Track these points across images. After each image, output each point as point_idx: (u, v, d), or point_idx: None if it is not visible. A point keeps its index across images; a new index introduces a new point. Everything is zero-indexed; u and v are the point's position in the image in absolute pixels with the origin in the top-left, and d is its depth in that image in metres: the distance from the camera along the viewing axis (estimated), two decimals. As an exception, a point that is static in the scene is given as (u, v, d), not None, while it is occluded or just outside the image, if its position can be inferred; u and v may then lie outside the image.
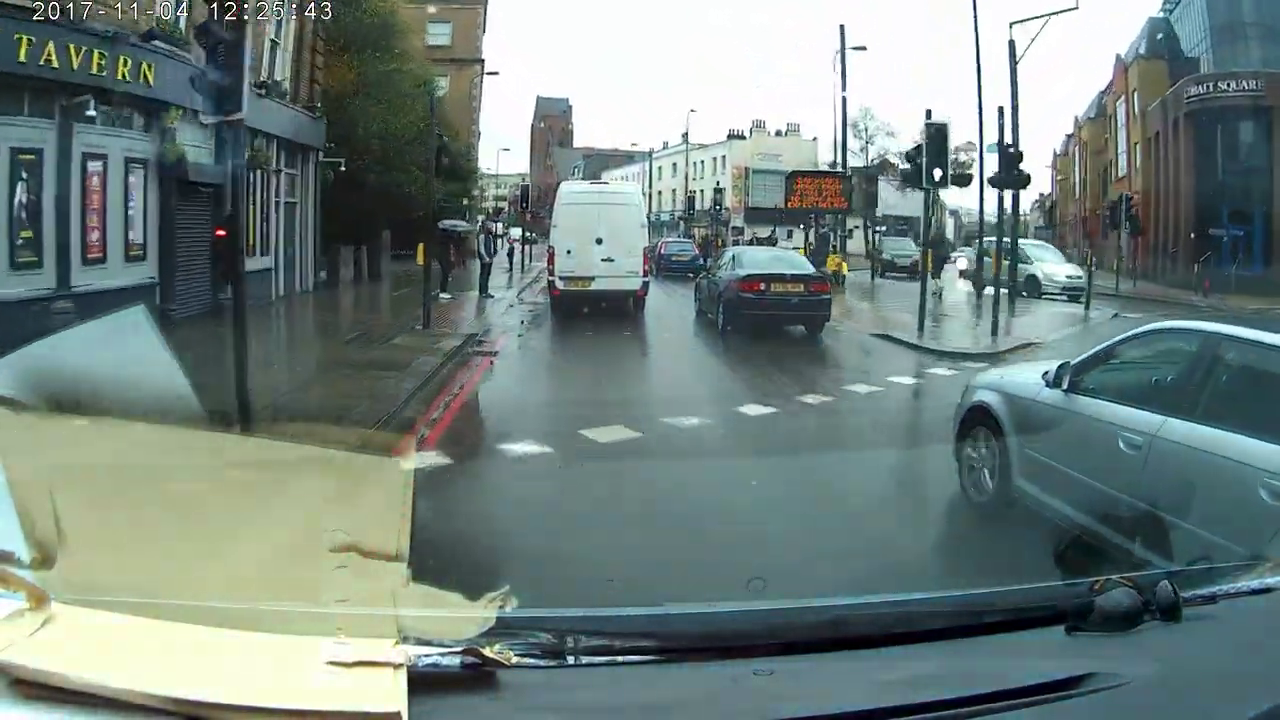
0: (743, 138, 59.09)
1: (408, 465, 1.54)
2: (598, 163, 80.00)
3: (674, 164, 65.41)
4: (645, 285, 16.30)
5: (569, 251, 15.82)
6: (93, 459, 1.33)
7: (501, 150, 53.33)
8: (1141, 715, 1.17)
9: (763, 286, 13.65)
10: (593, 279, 15.72)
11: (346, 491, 1.61)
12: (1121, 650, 1.27)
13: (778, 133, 59.43)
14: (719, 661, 1.27)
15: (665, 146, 68.04)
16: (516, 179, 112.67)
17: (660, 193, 65.73)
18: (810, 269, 15.65)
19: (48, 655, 0.99)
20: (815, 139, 55.82)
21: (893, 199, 44.69)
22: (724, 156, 59.51)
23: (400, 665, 1.05)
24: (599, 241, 15.68)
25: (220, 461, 1.52)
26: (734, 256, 15.67)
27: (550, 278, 16.15)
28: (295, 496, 1.55)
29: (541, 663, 1.19)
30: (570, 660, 1.21)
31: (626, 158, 74.33)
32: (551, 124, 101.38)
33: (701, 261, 29.47)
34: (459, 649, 1.11)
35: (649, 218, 46.10)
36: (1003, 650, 1.36)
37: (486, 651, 1.11)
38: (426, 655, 1.10)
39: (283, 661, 1.06)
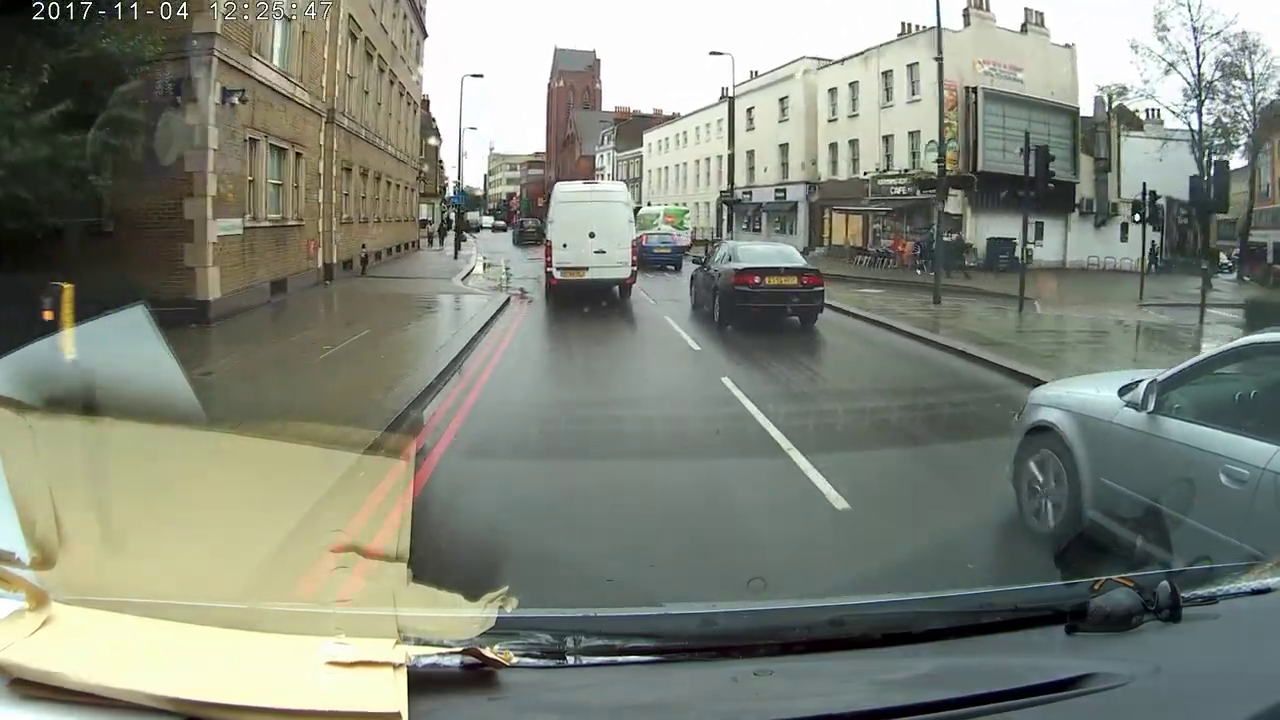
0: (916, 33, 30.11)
1: (408, 466, 1.54)
2: (633, 127, 61.52)
3: (782, 99, 38.37)
4: (634, 274, 17.90)
5: (565, 245, 17.33)
6: (93, 459, 1.33)
7: (470, 77, 39.44)
8: (1141, 715, 1.17)
9: (758, 279, 14.17)
10: (586, 269, 17.26)
11: (346, 492, 1.62)
12: (1121, 650, 1.27)
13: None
14: (719, 661, 1.27)
15: (754, 76, 41.42)
16: (526, 158, 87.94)
17: (752, 152, 39.54)
18: (803, 262, 15.83)
19: (48, 655, 0.99)
20: (1070, 45, 31.28)
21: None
22: (913, 68, 29.61)
23: (400, 665, 1.05)
24: (592, 235, 17.18)
25: (220, 462, 1.52)
26: (730, 250, 16.49)
27: (548, 269, 17.67)
28: (295, 497, 1.55)
29: (541, 663, 1.19)
30: (570, 660, 1.21)
31: (665, 118, 56.46)
32: (573, 82, 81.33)
33: (682, 255, 28.69)
34: (459, 649, 1.11)
35: (729, 199, 35.32)
36: (1003, 650, 1.36)
37: (486, 651, 1.11)
38: (426, 655, 1.10)
39: (283, 661, 1.06)
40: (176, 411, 1.52)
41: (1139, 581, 1.37)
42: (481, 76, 38.72)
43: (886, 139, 31.76)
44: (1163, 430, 4.19)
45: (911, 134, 30.04)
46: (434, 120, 40.92)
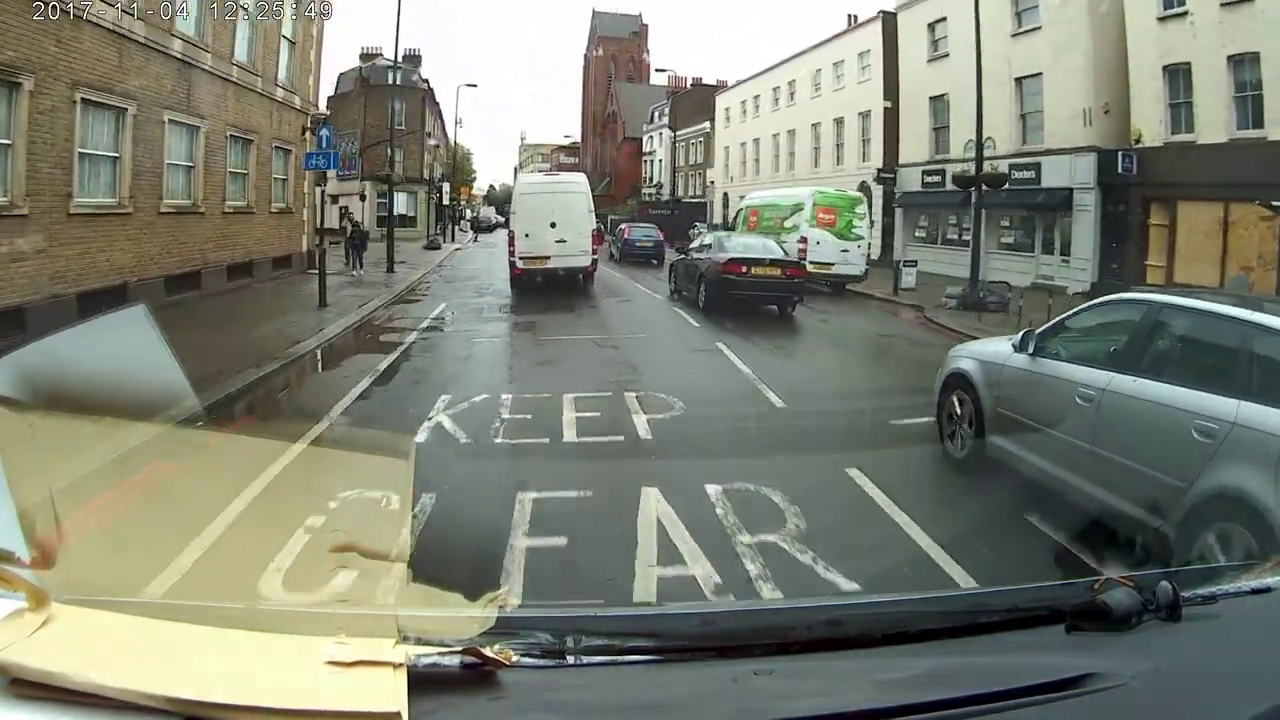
0: None
1: (408, 466, 1.54)
2: (693, 99, 48.44)
3: (1031, 8, 20.72)
4: (594, 262, 18.47)
5: (527, 235, 17.94)
6: (93, 459, 1.33)
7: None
8: (1141, 715, 1.17)
9: (744, 269, 15.36)
10: (548, 258, 17.82)
11: (346, 491, 1.62)
12: (1121, 650, 1.27)
13: None
14: (719, 661, 1.27)
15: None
16: (557, 147, 71.26)
17: (940, 98, 22.74)
18: (785, 254, 16.87)
19: (48, 655, 0.99)
20: None
21: None
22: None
23: (400, 665, 1.05)
24: (553, 225, 17.77)
25: (220, 462, 1.52)
26: (715, 241, 17.43)
27: (511, 259, 18.12)
28: (295, 497, 1.55)
29: (541, 663, 1.19)
30: (570, 660, 1.21)
31: (727, 86, 44.18)
32: (615, 51, 68.24)
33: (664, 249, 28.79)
34: (459, 649, 1.11)
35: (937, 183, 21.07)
36: (1003, 650, 1.36)
37: (486, 651, 1.11)
38: (426, 655, 1.10)
39: (283, 661, 1.06)
40: (176, 411, 1.52)
41: (1139, 581, 1.37)
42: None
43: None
44: (1039, 368, 5.55)
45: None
46: (427, 81, 32.73)
